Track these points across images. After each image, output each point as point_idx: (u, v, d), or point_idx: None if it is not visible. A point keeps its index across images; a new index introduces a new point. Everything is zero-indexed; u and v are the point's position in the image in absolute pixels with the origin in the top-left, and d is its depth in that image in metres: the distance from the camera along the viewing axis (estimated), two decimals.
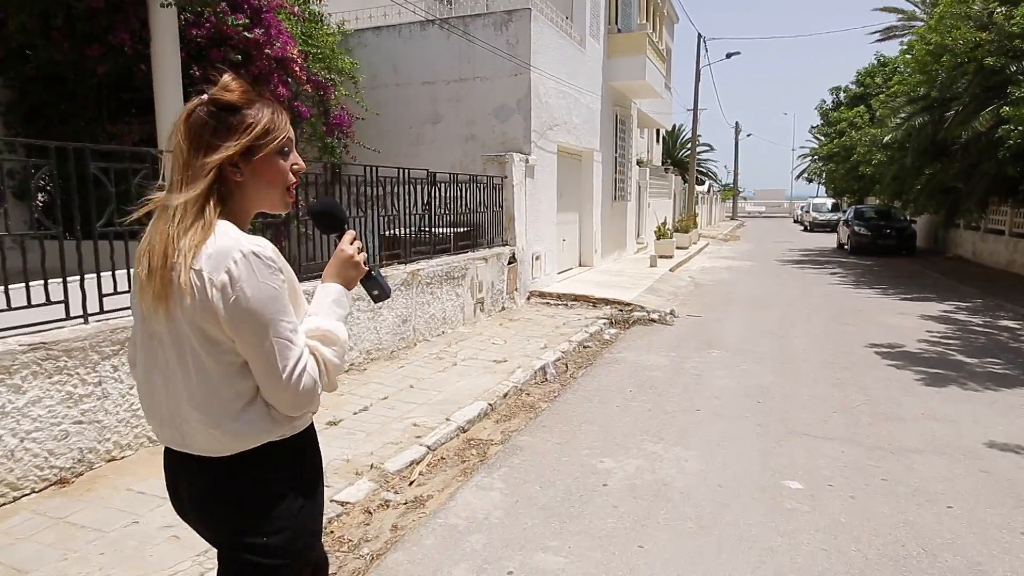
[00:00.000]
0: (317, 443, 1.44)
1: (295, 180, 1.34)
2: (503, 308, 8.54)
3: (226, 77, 1.27)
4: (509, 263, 8.66)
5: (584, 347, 6.88)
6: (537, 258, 9.78)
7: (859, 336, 7.30)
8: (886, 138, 13.00)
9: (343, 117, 8.65)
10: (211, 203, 1.23)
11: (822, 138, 26.64)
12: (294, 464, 1.34)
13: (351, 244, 1.42)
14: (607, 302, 9.19)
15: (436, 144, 9.91)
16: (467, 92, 9.69)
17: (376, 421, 4.35)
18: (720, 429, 4.33)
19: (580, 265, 12.97)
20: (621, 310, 8.71)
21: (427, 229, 7.45)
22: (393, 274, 6.11)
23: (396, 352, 6.11)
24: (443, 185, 7.56)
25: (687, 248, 18.28)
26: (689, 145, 42.41)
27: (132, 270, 1.33)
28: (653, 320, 8.14)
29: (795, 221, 45.32)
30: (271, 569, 1.30)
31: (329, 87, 8.48)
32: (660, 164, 26.16)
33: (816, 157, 26.45)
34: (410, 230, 7.27)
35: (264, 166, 1.28)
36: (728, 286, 11.65)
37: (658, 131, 32.83)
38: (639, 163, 18.67)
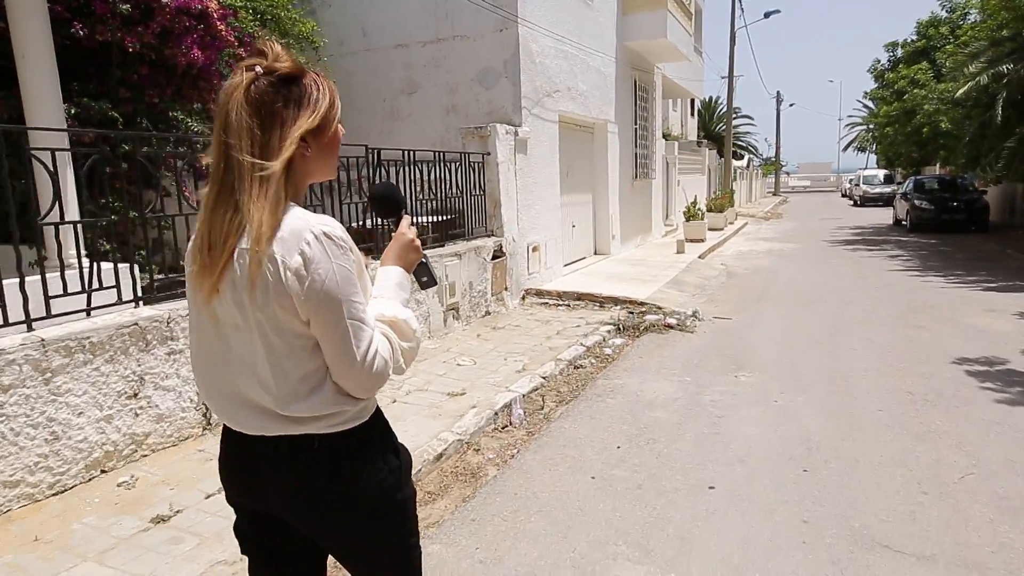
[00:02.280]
0: (390, 431, 1.38)
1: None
2: (487, 313, 7.07)
3: (269, 45, 1.21)
4: (494, 258, 7.16)
5: (576, 368, 5.37)
6: (534, 249, 8.26)
7: (939, 346, 5.59)
8: (960, 91, 10.91)
9: None
10: (283, 182, 1.16)
11: (874, 105, 24.17)
12: (386, 440, 1.33)
13: (409, 228, 1.40)
14: (617, 301, 7.63)
15: (413, 118, 8.44)
16: (446, 55, 8.17)
17: (219, 518, 2.95)
18: (743, 531, 2.78)
19: (596, 254, 11.39)
20: (632, 312, 7.14)
21: (383, 224, 6.08)
22: None
23: None
24: (402, 167, 6.11)
25: (722, 229, 16.46)
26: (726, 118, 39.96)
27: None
28: (670, 326, 6.56)
29: (843, 195, 42.44)
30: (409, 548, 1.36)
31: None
32: (694, 139, 24.13)
33: (870, 124, 23.95)
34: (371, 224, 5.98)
35: (332, 139, 1.26)
36: (766, 275, 9.91)
37: (692, 103, 30.69)
38: (666, 136, 16.85)
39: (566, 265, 9.94)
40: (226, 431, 1.32)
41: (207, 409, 3.77)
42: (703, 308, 7.41)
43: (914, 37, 15.15)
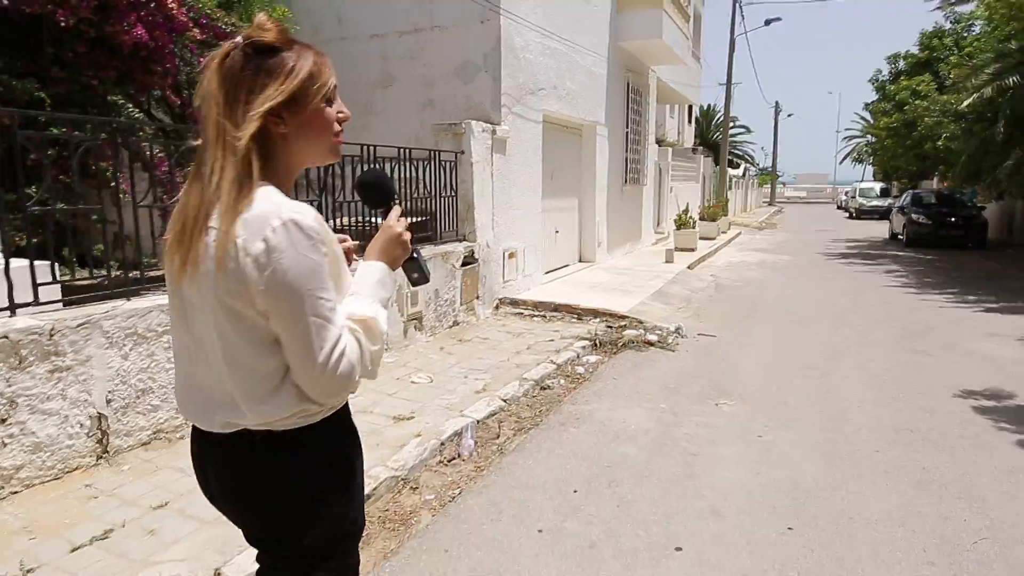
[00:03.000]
0: (354, 430, 1.31)
1: (340, 128, 1.21)
2: (455, 324, 6.57)
3: (261, 16, 1.14)
4: (464, 264, 6.66)
5: (542, 389, 4.88)
6: (511, 256, 7.77)
7: (941, 375, 5.12)
8: (963, 103, 10.47)
9: None
10: (253, 160, 1.08)
11: (873, 117, 23.81)
12: (325, 449, 1.22)
13: (398, 220, 1.29)
14: (596, 313, 7.14)
15: (387, 113, 7.94)
16: (424, 46, 7.68)
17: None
18: None
19: (580, 261, 10.92)
20: (611, 326, 6.65)
21: (371, 220, 5.61)
22: None
23: None
24: (360, 164, 5.62)
25: (714, 239, 16.01)
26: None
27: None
28: (650, 343, 6.07)
29: (839, 207, 42.17)
30: (308, 564, 1.24)
31: (235, 35, 6.55)
32: (690, 146, 23.73)
33: (869, 136, 23.54)
34: (351, 221, 5.58)
35: (313, 116, 1.14)
36: (757, 288, 9.45)
37: (690, 111, 30.30)
38: (659, 142, 16.42)
39: (547, 273, 9.45)
40: (192, 428, 1.27)
41: (103, 435, 3.26)
42: (687, 323, 6.94)
43: (917, 49, 14.76)
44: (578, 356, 5.76)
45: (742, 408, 4.36)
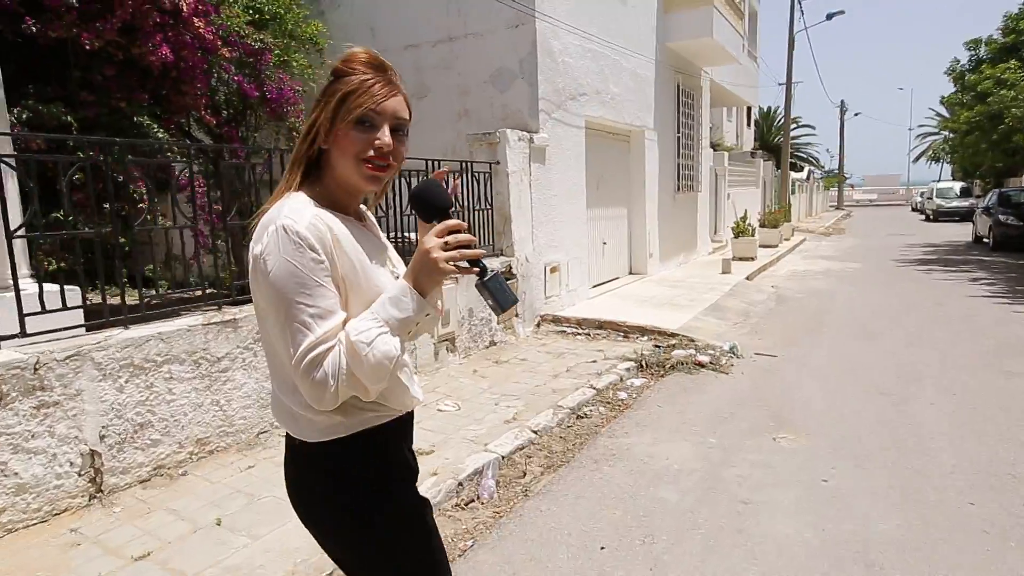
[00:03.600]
0: (397, 459, 1.30)
1: (373, 155, 1.19)
2: (491, 344, 6.22)
3: (355, 49, 1.23)
4: None
5: (578, 418, 4.46)
6: (553, 270, 7.38)
7: None
8: None
9: (285, 92, 6.65)
10: (296, 169, 1.21)
11: (950, 111, 22.22)
12: (346, 461, 1.22)
13: (440, 235, 1.15)
14: (643, 331, 6.66)
15: (422, 124, 7.70)
16: (458, 55, 7.43)
17: None
18: None
19: (631, 273, 10.42)
20: (659, 345, 6.16)
21: (406, 236, 5.38)
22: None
23: (264, 436, 3.96)
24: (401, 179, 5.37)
25: (776, 246, 15.16)
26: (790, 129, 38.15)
27: None
28: (701, 364, 5.55)
29: (913, 209, 39.77)
30: None
31: (265, 53, 6.50)
32: (749, 150, 22.75)
33: (947, 131, 21.91)
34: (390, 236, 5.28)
35: (338, 136, 1.19)
36: (822, 300, 8.71)
37: (748, 112, 29.20)
38: (715, 146, 15.72)
39: (595, 287, 9.01)
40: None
41: (96, 473, 3.06)
42: (744, 341, 6.36)
43: (1000, 33, 13.49)
44: (621, 379, 5.31)
45: (804, 443, 3.82)
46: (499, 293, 1.19)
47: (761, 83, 26.35)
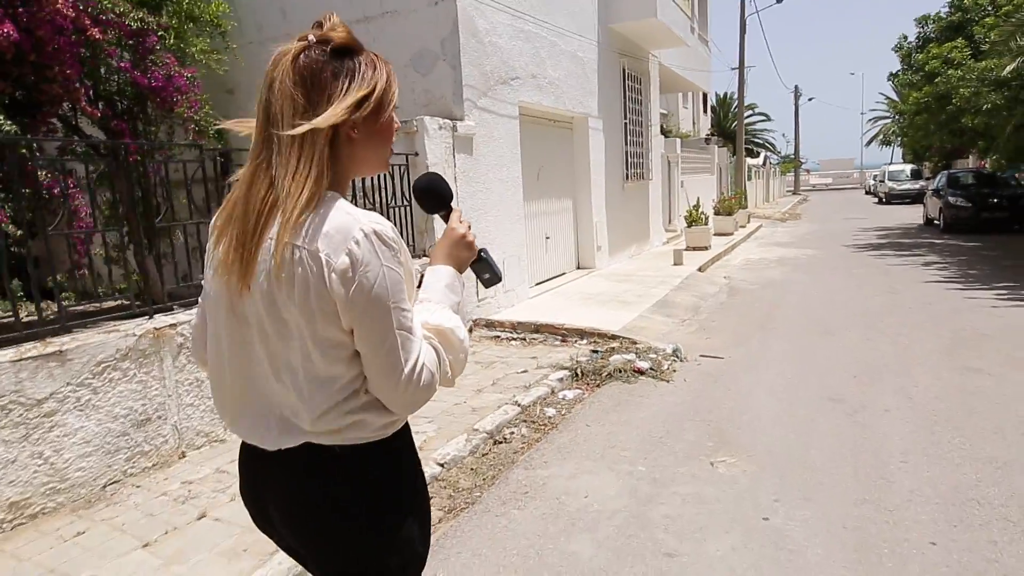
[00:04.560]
0: (414, 446, 1.24)
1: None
2: None
3: (327, 15, 1.09)
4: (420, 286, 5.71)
5: (496, 443, 3.90)
6: None
7: (1007, 405, 4.00)
8: (1006, 69, 9.17)
9: (176, 79, 5.90)
10: (326, 158, 1.04)
11: (899, 93, 22.31)
12: (393, 468, 1.15)
13: (460, 222, 1.27)
14: (583, 334, 6.13)
15: None
16: (375, 36, 6.76)
17: None
18: None
19: (579, 268, 9.91)
20: (597, 350, 5.64)
21: None
22: (111, 338, 3.29)
23: (112, 488, 3.29)
24: None
25: (731, 234, 14.85)
26: (745, 116, 38.26)
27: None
28: (640, 371, 5.04)
29: (867, 192, 40.36)
30: None
31: (148, 35, 5.74)
32: (704, 136, 22.50)
33: (896, 114, 21.95)
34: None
35: (385, 125, 1.13)
36: (776, 292, 8.32)
37: (705, 99, 29.03)
38: (665, 133, 15.33)
39: (537, 284, 8.47)
40: (241, 450, 1.21)
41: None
42: (689, 341, 5.89)
43: (948, 10, 13.28)
44: (552, 392, 4.77)
45: (745, 467, 3.32)
46: (495, 266, 1.31)
47: (715, 68, 26.20)
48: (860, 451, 3.44)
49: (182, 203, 5.08)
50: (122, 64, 5.84)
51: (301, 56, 1.05)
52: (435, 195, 1.31)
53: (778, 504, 2.93)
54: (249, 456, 1.17)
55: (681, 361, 5.31)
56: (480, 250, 1.29)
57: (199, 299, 1.23)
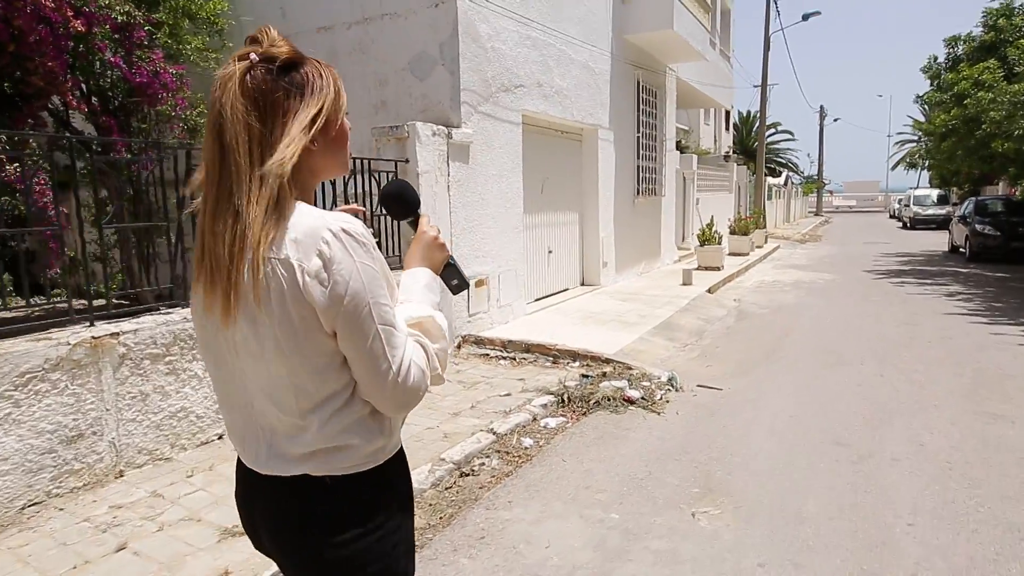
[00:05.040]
0: (405, 461, 1.22)
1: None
2: None
3: (265, 30, 1.06)
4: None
5: (464, 475, 3.58)
6: (479, 284, 6.50)
7: None
8: None
9: (163, 75, 5.71)
10: (288, 185, 1.01)
11: (927, 114, 21.72)
12: (384, 486, 1.14)
13: (430, 226, 1.28)
14: (575, 356, 5.80)
15: None
16: (374, 38, 6.54)
17: None
18: None
19: (584, 284, 9.58)
20: (587, 375, 5.30)
21: None
22: (39, 347, 3.03)
23: (33, 510, 3.01)
24: None
25: (746, 254, 14.42)
26: (767, 134, 37.73)
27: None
28: (630, 400, 4.69)
29: (891, 216, 39.53)
30: None
31: (135, 29, 5.57)
32: (725, 153, 22.08)
33: (922, 136, 21.32)
34: None
35: (340, 132, 1.12)
36: (787, 317, 7.92)
37: (727, 116, 28.63)
38: (681, 148, 14.98)
39: (537, 300, 8.16)
40: (238, 467, 1.20)
41: None
42: (689, 368, 5.53)
43: (980, 30, 12.76)
44: (534, 419, 4.44)
45: (730, 521, 2.96)
46: (462, 271, 1.32)
47: (737, 85, 25.76)
48: (862, 508, 3.06)
49: (172, 204, 4.89)
50: (113, 59, 5.67)
51: (247, 77, 1.01)
52: (403, 201, 1.31)
53: (762, 571, 2.57)
54: (244, 472, 1.17)
55: (676, 391, 4.95)
56: (448, 255, 1.31)
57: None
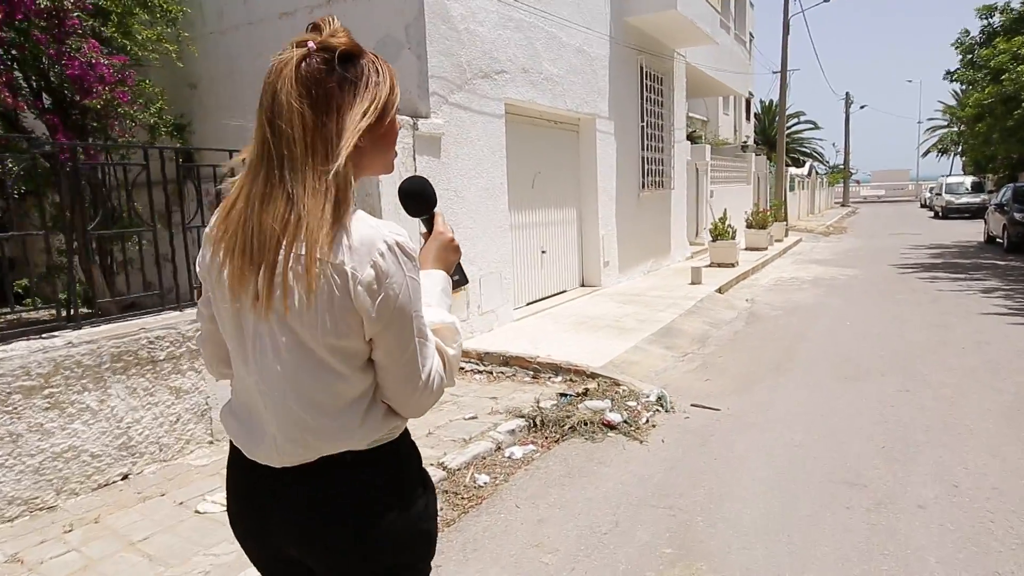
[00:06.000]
0: (415, 446, 1.24)
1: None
2: None
3: (327, 20, 1.05)
4: None
5: None
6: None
7: None
8: None
9: (99, 67, 5.23)
10: (344, 182, 1.00)
11: (959, 94, 20.56)
12: (404, 456, 1.17)
13: (445, 225, 1.29)
14: (558, 369, 5.19)
15: None
16: (340, 19, 5.96)
17: None
18: None
19: (583, 285, 8.96)
20: (566, 393, 4.68)
21: None
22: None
23: None
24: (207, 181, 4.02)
25: (764, 249, 13.64)
26: (790, 123, 36.52)
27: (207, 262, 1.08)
28: (610, 425, 4.08)
29: (922, 206, 38.05)
30: None
31: (65, 18, 5.10)
32: (742, 143, 21.18)
33: (954, 117, 20.12)
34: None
35: (390, 129, 1.11)
36: (803, 320, 7.20)
37: (748, 105, 27.61)
38: (694, 139, 14.22)
39: (528, 304, 7.57)
40: (241, 475, 1.18)
41: None
42: (686, 383, 4.89)
43: (1018, 1, 11.77)
44: (498, 448, 3.86)
45: None
46: (461, 266, 1.32)
47: (757, 71, 24.77)
48: None
49: (128, 207, 4.43)
50: (51, 51, 5.21)
51: (303, 66, 1.00)
52: (422, 199, 1.30)
53: None
54: (254, 476, 1.13)
55: (666, 411, 4.32)
56: None
57: (198, 310, 1.21)
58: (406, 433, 1.18)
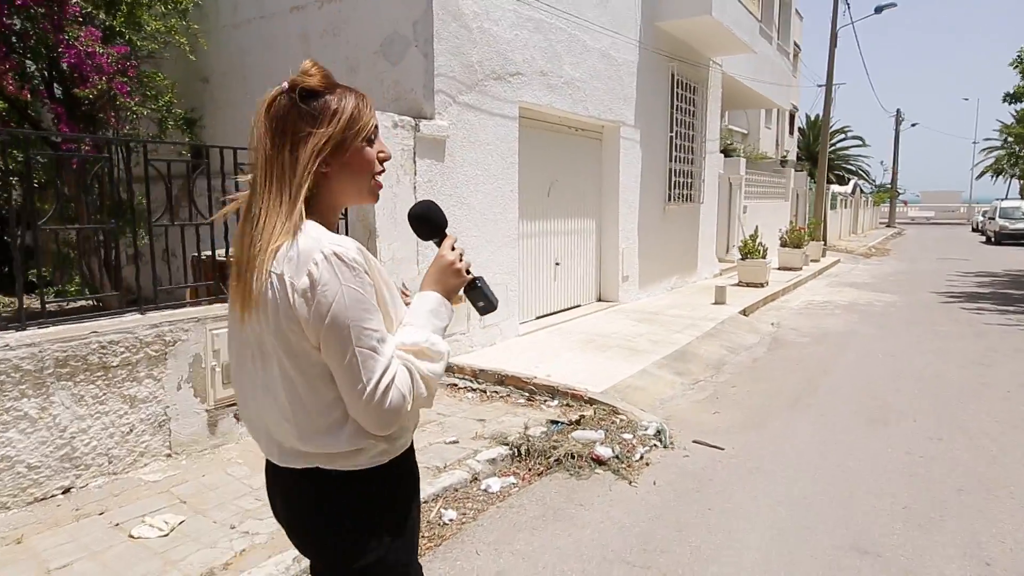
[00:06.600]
0: (416, 469, 1.32)
1: (382, 169, 1.25)
2: None
3: (306, 63, 1.18)
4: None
5: None
6: (455, 301, 5.61)
7: None
8: None
9: (97, 57, 5.11)
10: (297, 199, 1.12)
11: (1013, 116, 19.49)
12: (388, 493, 1.24)
13: (452, 250, 1.30)
14: (555, 392, 4.85)
15: None
16: (347, 18, 5.77)
17: None
18: None
19: (599, 300, 8.59)
20: (558, 421, 4.33)
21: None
22: None
23: None
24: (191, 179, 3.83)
25: (798, 269, 13.03)
26: (835, 139, 35.40)
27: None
28: (599, 460, 3.71)
29: (974, 229, 36.40)
30: None
31: (67, 4, 4.99)
32: (781, 158, 20.46)
33: (1009, 138, 19.07)
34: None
35: (353, 157, 1.19)
36: (830, 349, 6.69)
37: (791, 119, 26.75)
38: (728, 152, 13.69)
39: (538, 318, 7.25)
40: (266, 460, 1.30)
41: None
42: (691, 415, 4.49)
43: None
44: (474, 479, 3.55)
45: None
46: (490, 292, 1.32)
47: (802, 84, 23.95)
48: None
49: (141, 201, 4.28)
50: (60, 37, 5.11)
51: (274, 103, 1.14)
52: (429, 223, 1.33)
53: None
54: (268, 463, 1.27)
55: (664, 447, 3.94)
56: (475, 278, 1.31)
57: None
58: (390, 470, 1.20)
